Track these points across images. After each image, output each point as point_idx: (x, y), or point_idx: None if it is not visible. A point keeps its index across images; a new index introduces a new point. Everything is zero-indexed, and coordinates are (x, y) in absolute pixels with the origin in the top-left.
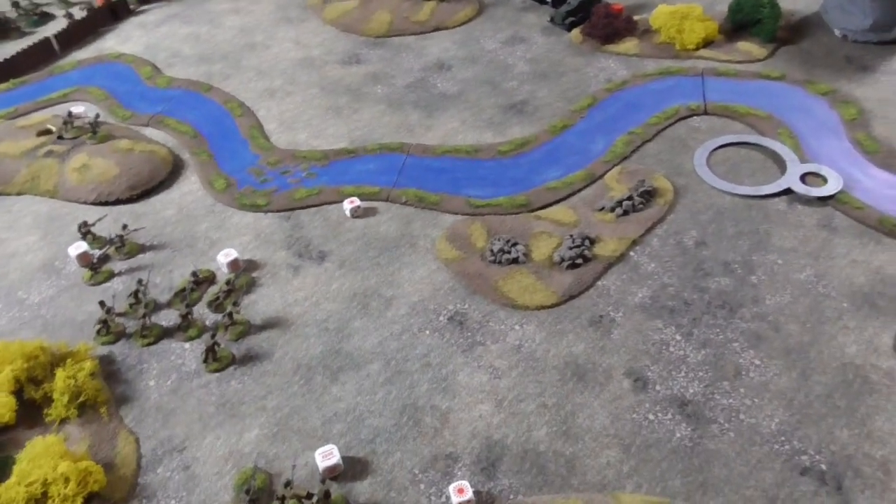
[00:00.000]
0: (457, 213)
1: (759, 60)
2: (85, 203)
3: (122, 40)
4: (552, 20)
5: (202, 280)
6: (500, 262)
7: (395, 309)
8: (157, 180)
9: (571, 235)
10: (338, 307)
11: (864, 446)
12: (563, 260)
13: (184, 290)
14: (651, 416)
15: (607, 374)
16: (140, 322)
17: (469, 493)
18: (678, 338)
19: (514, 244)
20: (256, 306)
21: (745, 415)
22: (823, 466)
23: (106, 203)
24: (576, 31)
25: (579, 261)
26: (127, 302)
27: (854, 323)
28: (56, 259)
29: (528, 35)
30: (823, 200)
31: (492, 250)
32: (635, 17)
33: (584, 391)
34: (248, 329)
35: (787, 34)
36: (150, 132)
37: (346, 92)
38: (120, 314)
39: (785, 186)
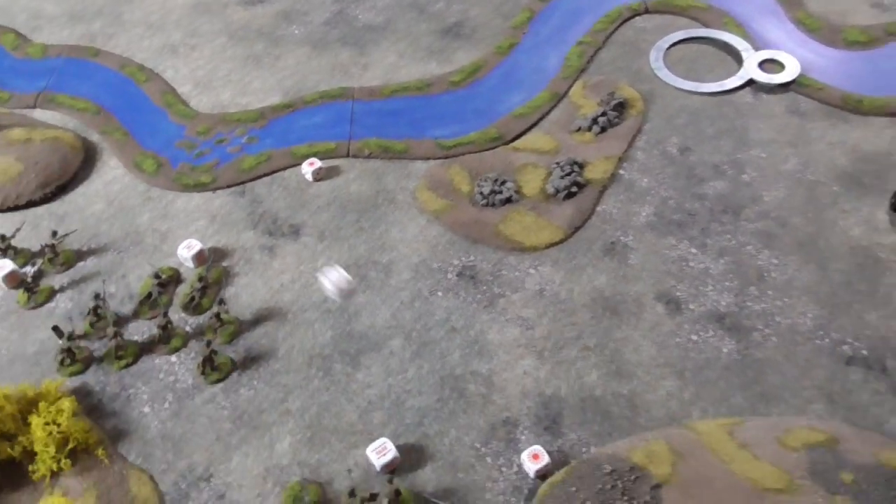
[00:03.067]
0: (428, 159)
1: None
2: None
3: None
4: None
5: (167, 280)
6: (493, 205)
7: (396, 275)
8: (70, 172)
9: (558, 163)
10: None
11: (894, 324)
12: (557, 191)
13: (150, 295)
14: (694, 337)
15: (638, 303)
16: (111, 342)
17: (545, 458)
18: (694, 251)
19: (503, 182)
20: (240, 300)
21: (780, 317)
22: (865, 352)
23: (16, 208)
24: None
25: (574, 189)
26: (86, 321)
27: (849, 205)
28: None
29: None
30: (786, 86)
31: (482, 193)
32: None
33: (622, 325)
34: (240, 327)
35: None
36: (40, 114)
37: (260, 37)
38: (81, 337)
39: (747, 78)
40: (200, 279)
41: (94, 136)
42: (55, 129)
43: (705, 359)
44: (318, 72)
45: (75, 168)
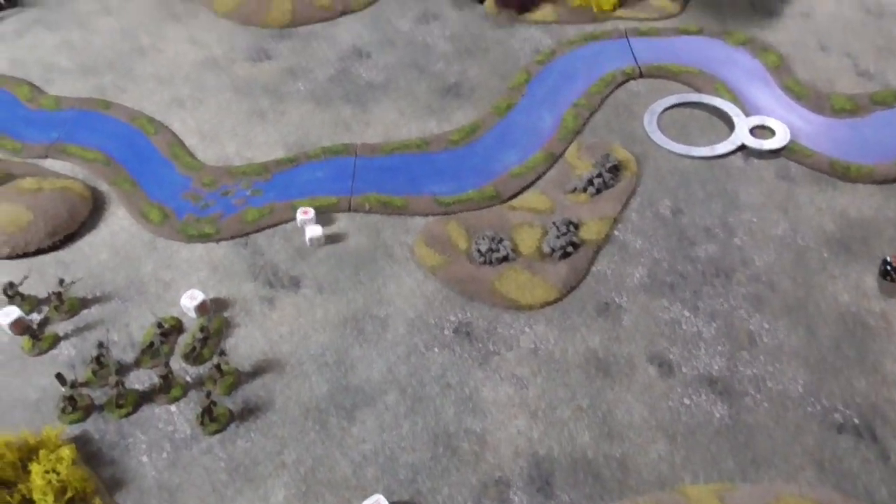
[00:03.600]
0: (426, 215)
1: (674, 16)
2: None
3: None
4: None
5: (169, 330)
6: (490, 262)
7: (393, 329)
8: (78, 221)
9: (555, 223)
10: (330, 337)
11: (883, 392)
12: (553, 251)
13: (152, 344)
14: (686, 401)
15: (631, 364)
16: (112, 390)
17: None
18: (686, 314)
19: (500, 240)
20: (239, 350)
21: (771, 382)
22: (855, 420)
23: (24, 255)
24: (489, 2)
25: (570, 248)
26: (88, 369)
27: (837, 270)
28: None
29: (439, 11)
30: (776, 152)
31: (479, 250)
32: None
33: (614, 385)
34: (239, 378)
35: None
36: (51, 164)
37: (265, 92)
38: (83, 384)
39: (739, 143)
40: (202, 329)
41: (103, 186)
42: (65, 179)
43: (697, 423)
44: (321, 127)
45: (83, 217)
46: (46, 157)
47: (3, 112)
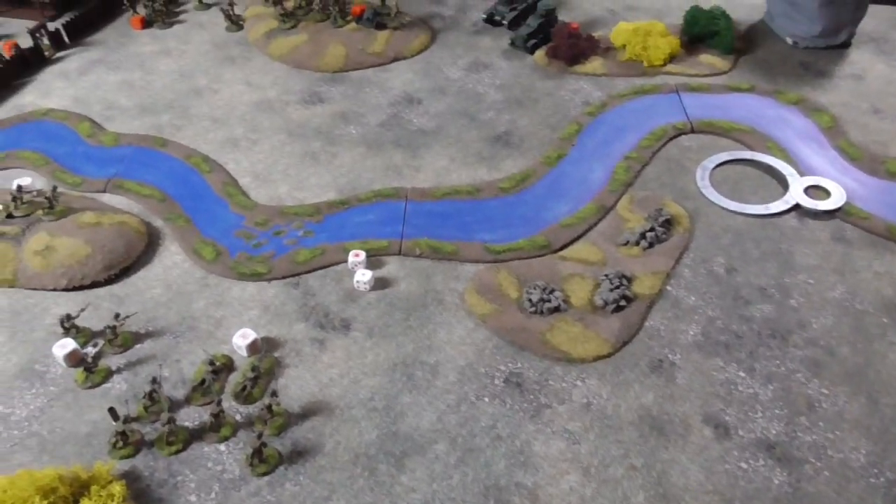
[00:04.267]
0: (477, 262)
1: (724, 73)
2: (54, 290)
3: (44, 94)
4: (513, 43)
5: (220, 368)
6: (541, 312)
7: (443, 377)
8: (134, 256)
9: (607, 276)
10: (380, 382)
11: None
12: (606, 303)
13: (203, 381)
14: (743, 465)
15: (685, 424)
16: (164, 427)
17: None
18: (742, 375)
19: (552, 291)
20: (289, 391)
21: (832, 450)
22: None
23: (80, 288)
24: (539, 53)
25: (622, 302)
26: (140, 404)
27: None
28: (36, 362)
29: (489, 60)
30: (831, 213)
31: (530, 300)
32: (595, 35)
33: (668, 446)
34: (289, 420)
35: (742, 44)
36: (108, 198)
37: (317, 135)
38: (134, 419)
39: (794, 203)
40: (253, 369)
41: (158, 222)
42: (122, 214)
43: (755, 489)
44: (372, 171)
45: (139, 252)
46: (105, 191)
47: (65, 147)
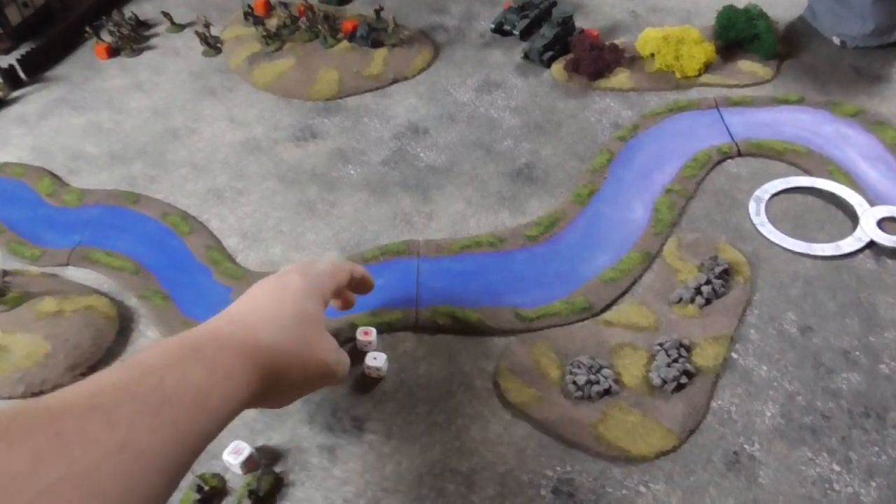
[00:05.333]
0: (506, 333)
1: (766, 81)
2: (10, 398)
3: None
4: (527, 56)
5: (210, 493)
6: (589, 397)
7: (480, 489)
8: (103, 348)
9: (662, 345)
10: (405, 501)
11: None
12: (665, 382)
13: None
14: None
15: None
16: None
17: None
18: (837, 468)
19: (600, 369)
20: None
21: None
22: None
23: (39, 393)
24: (557, 67)
25: (684, 379)
26: None
27: None
28: None
29: (501, 78)
30: None
31: (575, 383)
32: (618, 43)
33: None
34: None
35: (784, 48)
36: (73, 273)
37: (313, 179)
38: None
39: (867, 239)
40: (251, 493)
41: (132, 301)
42: (88, 297)
43: None
44: (377, 221)
45: (109, 342)
46: (68, 263)
47: (23, 211)
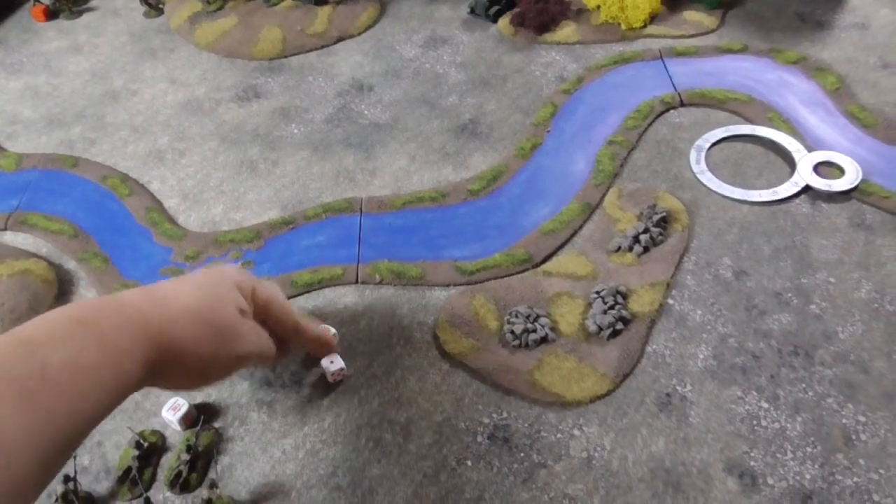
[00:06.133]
0: (447, 285)
1: (711, 31)
2: None
3: None
4: (473, 11)
5: (150, 450)
6: (527, 345)
7: (417, 439)
8: (40, 313)
9: (599, 293)
10: (343, 451)
11: None
12: (600, 328)
13: (129, 470)
14: None
15: (705, 476)
16: None
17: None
18: (765, 405)
19: (537, 318)
20: (235, 473)
21: (878, 494)
22: None
23: None
24: (504, 22)
25: (619, 325)
26: None
27: None
28: None
29: (448, 33)
30: (846, 194)
31: (513, 332)
32: None
33: None
34: None
35: None
36: (11, 237)
37: (255, 138)
38: None
39: (803, 184)
40: (189, 448)
41: (71, 264)
42: (25, 261)
43: None
44: (320, 179)
45: (47, 306)
46: (6, 229)
47: None
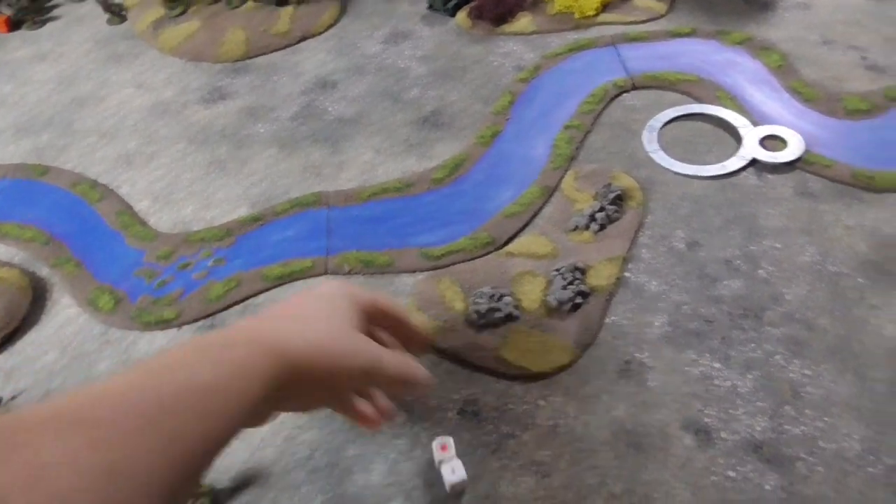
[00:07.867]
0: (415, 271)
1: (661, 16)
2: None
3: None
4: (431, 6)
5: None
6: (493, 325)
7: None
8: (18, 318)
9: (559, 270)
10: (319, 435)
11: None
12: (561, 303)
13: None
14: (731, 473)
15: (664, 435)
16: None
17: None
18: (717, 366)
19: (501, 297)
20: (215, 462)
21: (823, 441)
22: None
23: None
24: (462, 15)
25: (579, 299)
26: None
27: (877, 299)
28: None
29: (409, 28)
30: (791, 165)
31: (478, 311)
32: None
33: (648, 464)
34: (217, 497)
35: None
36: None
37: (223, 139)
38: None
39: (750, 157)
40: None
41: (44, 271)
42: (1, 268)
43: (747, 499)
44: (287, 175)
45: (23, 313)
46: None
47: None
